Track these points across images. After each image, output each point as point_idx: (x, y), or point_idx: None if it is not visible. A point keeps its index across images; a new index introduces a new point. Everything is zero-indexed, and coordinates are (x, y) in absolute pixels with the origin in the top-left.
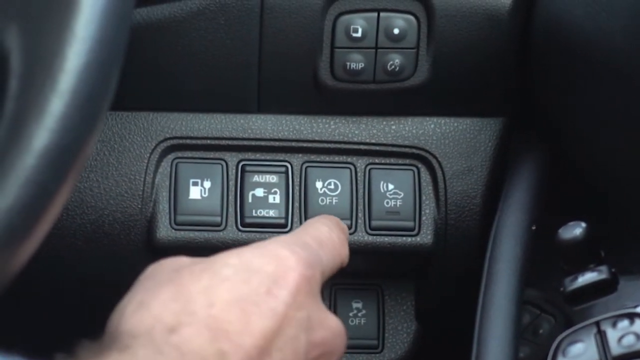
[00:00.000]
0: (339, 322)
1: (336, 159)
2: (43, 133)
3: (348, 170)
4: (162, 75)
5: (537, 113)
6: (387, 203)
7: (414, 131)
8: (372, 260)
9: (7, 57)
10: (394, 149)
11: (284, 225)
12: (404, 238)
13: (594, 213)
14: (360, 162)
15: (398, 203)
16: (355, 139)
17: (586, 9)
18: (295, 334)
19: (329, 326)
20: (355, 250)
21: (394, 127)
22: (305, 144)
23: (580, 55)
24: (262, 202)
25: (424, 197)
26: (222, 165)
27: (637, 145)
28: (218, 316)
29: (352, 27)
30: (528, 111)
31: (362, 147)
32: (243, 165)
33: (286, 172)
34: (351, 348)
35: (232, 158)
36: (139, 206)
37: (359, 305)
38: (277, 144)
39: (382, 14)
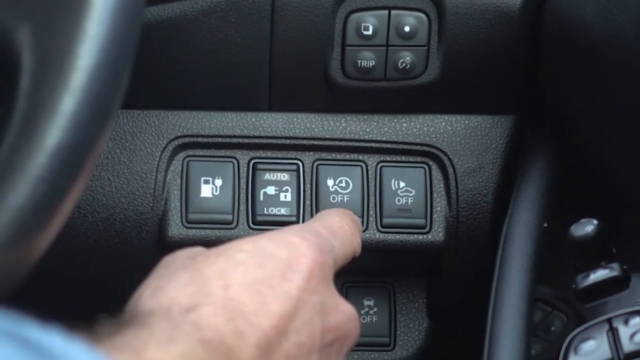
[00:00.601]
0: (352, 307)
1: (347, 156)
2: (55, 131)
3: (359, 168)
4: (173, 74)
5: (548, 110)
6: (399, 201)
7: (425, 129)
8: (384, 258)
9: (19, 55)
10: (405, 146)
11: (296, 223)
12: (416, 236)
13: (605, 210)
14: (372, 160)
15: (409, 201)
16: (367, 137)
17: (597, 5)
18: (310, 317)
19: (343, 311)
20: (367, 248)
21: (405, 124)
22: (316, 142)
23: (591, 52)
24: (274, 200)
25: (435, 195)
26: (233, 164)
27: None
28: (234, 297)
29: (363, 25)
30: (539, 108)
31: (373, 144)
32: (254, 164)
33: (297, 170)
34: (363, 346)
35: (243, 156)
36: (150, 204)
37: (371, 302)
38: (288, 141)
39: (392, 12)
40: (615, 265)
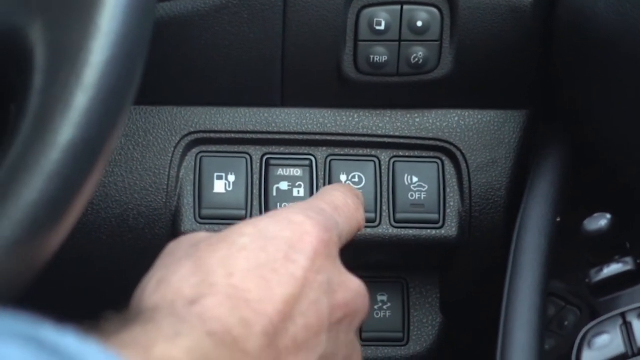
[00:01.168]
0: (360, 282)
1: (360, 152)
2: (68, 127)
3: (372, 163)
4: (186, 70)
5: (560, 105)
6: (412, 196)
7: (437, 124)
8: (397, 253)
9: (32, 51)
10: (418, 141)
11: None
12: (429, 231)
13: (619, 204)
14: (385, 155)
15: (422, 196)
16: (379, 132)
17: (609, 0)
18: (316, 297)
19: (351, 288)
20: (380, 242)
21: (417, 119)
22: (329, 137)
23: (603, 47)
24: (287, 195)
25: (448, 190)
26: (246, 159)
27: None
28: (238, 285)
29: (375, 20)
30: (552, 103)
31: (386, 140)
32: (267, 159)
33: (310, 166)
34: (376, 341)
35: (256, 152)
36: (164, 200)
37: (384, 298)
38: (301, 137)
39: (405, 7)
40: (628, 259)
